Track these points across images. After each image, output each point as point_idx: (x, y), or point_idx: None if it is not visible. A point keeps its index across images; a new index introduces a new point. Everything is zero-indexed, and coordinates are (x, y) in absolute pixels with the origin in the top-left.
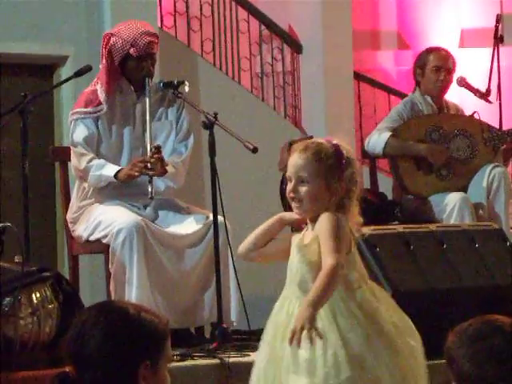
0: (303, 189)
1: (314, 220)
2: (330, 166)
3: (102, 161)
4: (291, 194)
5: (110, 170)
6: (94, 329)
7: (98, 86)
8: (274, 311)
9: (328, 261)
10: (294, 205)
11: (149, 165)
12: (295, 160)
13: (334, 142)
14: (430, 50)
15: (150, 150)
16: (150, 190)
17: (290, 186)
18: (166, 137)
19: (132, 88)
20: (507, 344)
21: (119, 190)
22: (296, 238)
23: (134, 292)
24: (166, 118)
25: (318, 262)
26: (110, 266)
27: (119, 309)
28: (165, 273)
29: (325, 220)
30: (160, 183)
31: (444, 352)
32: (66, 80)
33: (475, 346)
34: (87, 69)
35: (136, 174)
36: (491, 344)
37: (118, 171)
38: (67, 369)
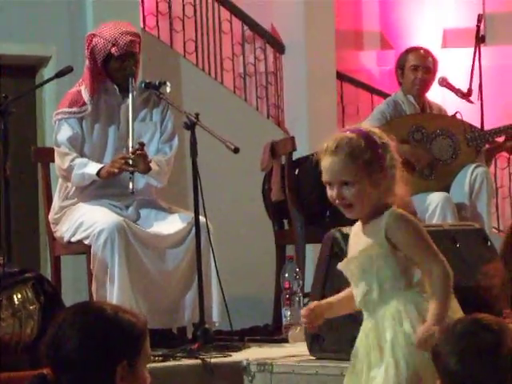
0: (349, 192)
1: (367, 220)
2: (367, 160)
3: (84, 159)
4: (337, 201)
5: (92, 167)
6: (71, 330)
7: (82, 86)
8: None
9: (435, 268)
10: (343, 210)
11: (130, 161)
12: (330, 163)
13: (362, 129)
14: (409, 50)
15: (132, 146)
16: (130, 185)
17: (332, 192)
18: (150, 138)
19: (116, 89)
20: (494, 342)
21: (101, 190)
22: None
23: (115, 293)
24: (150, 119)
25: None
26: (91, 267)
27: (96, 309)
28: (146, 273)
29: (395, 223)
30: (140, 180)
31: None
32: (47, 81)
33: (462, 344)
34: (68, 70)
35: (116, 170)
36: (478, 342)
37: (100, 169)
38: (45, 371)
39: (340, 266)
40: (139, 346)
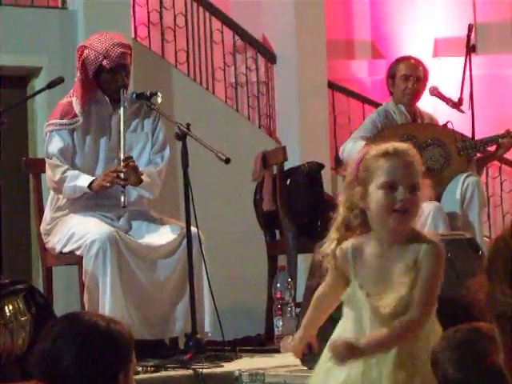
0: (415, 196)
1: (398, 240)
2: (421, 171)
3: (76, 172)
4: (403, 205)
5: (84, 180)
6: (66, 344)
7: (73, 98)
8: None
9: (418, 313)
10: (397, 218)
11: (122, 175)
12: (402, 163)
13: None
14: (399, 60)
15: (123, 160)
16: (122, 199)
17: (397, 196)
18: (141, 148)
19: (107, 100)
20: (492, 351)
21: (92, 201)
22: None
23: (107, 303)
24: (141, 130)
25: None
26: (83, 278)
27: (89, 322)
28: (138, 284)
29: (432, 258)
30: (132, 192)
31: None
32: (39, 92)
33: (461, 351)
34: (59, 80)
35: (108, 184)
36: (477, 350)
37: (92, 181)
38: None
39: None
40: (130, 355)
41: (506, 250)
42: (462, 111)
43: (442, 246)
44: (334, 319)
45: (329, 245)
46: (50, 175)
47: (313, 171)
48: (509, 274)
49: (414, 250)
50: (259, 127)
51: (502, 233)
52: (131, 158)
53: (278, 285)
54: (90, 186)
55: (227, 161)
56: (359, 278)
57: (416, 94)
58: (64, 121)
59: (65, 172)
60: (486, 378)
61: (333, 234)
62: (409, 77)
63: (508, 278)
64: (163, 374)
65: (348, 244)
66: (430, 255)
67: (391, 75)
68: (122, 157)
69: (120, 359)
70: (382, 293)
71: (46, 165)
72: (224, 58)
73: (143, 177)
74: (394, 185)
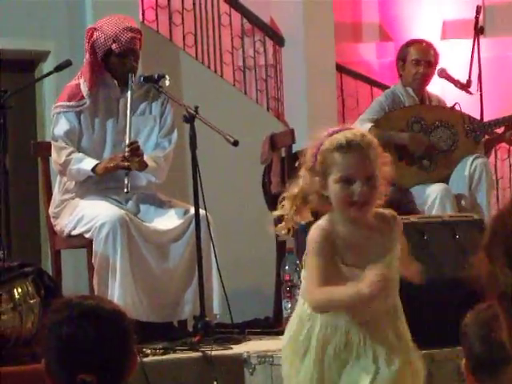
0: (371, 187)
1: (367, 222)
2: (378, 152)
3: (80, 154)
4: (361, 198)
5: (88, 163)
6: (90, 326)
7: (81, 80)
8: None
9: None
10: (356, 210)
11: (126, 160)
12: (355, 157)
13: (355, 128)
14: (410, 43)
15: (128, 145)
16: (126, 183)
17: (350, 189)
18: (149, 131)
19: (115, 83)
20: None
21: (101, 184)
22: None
23: (117, 286)
24: (149, 113)
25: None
26: (92, 261)
27: (103, 304)
28: (148, 268)
29: (400, 230)
30: (142, 178)
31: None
32: (47, 75)
33: (488, 328)
34: (67, 64)
35: (111, 166)
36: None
37: (96, 165)
38: (87, 378)
39: (380, 270)
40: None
41: (506, 229)
42: (470, 93)
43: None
44: None
45: (284, 212)
46: (55, 157)
47: None
48: (509, 253)
49: (383, 228)
50: (267, 110)
51: (501, 211)
52: (136, 142)
53: (287, 267)
54: (94, 169)
55: (235, 143)
56: (343, 257)
57: (426, 78)
58: (71, 103)
59: (70, 154)
60: (510, 357)
61: (288, 203)
62: (420, 61)
63: (508, 259)
64: (172, 356)
65: (325, 227)
66: (399, 229)
67: (402, 58)
68: (127, 141)
69: (131, 334)
70: (362, 266)
71: (52, 147)
72: (232, 41)
73: (149, 162)
74: (349, 179)
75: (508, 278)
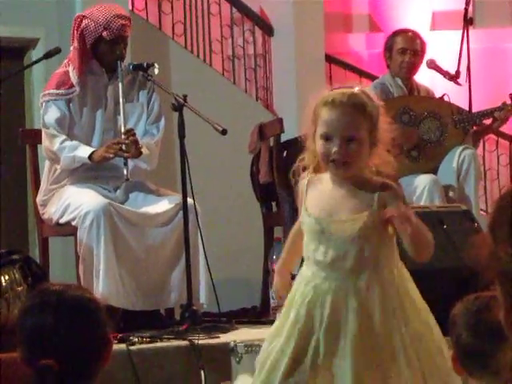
0: (351, 148)
1: (349, 181)
2: (371, 116)
3: (75, 142)
4: (335, 157)
5: (83, 151)
6: (65, 316)
7: (69, 67)
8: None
9: None
10: (334, 167)
11: (123, 147)
12: (337, 116)
13: (361, 87)
14: (397, 33)
15: (124, 132)
16: (125, 172)
17: (329, 147)
18: (137, 119)
19: (103, 70)
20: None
21: (90, 172)
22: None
23: (101, 274)
24: (137, 101)
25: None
26: (78, 249)
27: (70, 292)
28: (133, 255)
29: (391, 199)
30: (129, 164)
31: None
32: (35, 62)
33: (478, 317)
34: (57, 51)
35: (111, 155)
36: (494, 318)
37: (92, 153)
38: (48, 362)
39: (315, 220)
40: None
41: (511, 210)
42: (459, 84)
43: (398, 187)
44: None
45: (305, 176)
46: (47, 145)
47: None
48: None
49: (367, 190)
50: (256, 100)
51: (508, 191)
52: (132, 130)
53: (274, 257)
54: (90, 156)
55: (224, 132)
56: (308, 207)
57: (413, 68)
58: (61, 91)
59: (63, 142)
60: (499, 347)
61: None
62: (406, 50)
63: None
64: (159, 344)
65: (305, 178)
66: (388, 196)
67: (388, 48)
68: (123, 129)
69: (107, 322)
70: (328, 220)
71: (43, 134)
72: (221, 31)
73: (143, 149)
74: (329, 136)
75: (510, 257)
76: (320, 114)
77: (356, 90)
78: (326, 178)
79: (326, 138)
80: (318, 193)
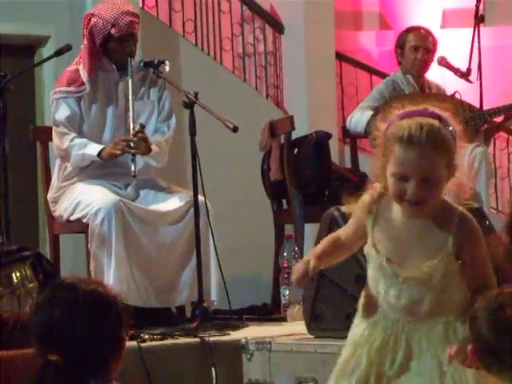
0: (428, 189)
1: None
2: (450, 153)
3: (84, 140)
4: (413, 198)
5: (92, 149)
6: (77, 312)
7: (80, 65)
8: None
9: (492, 281)
10: (408, 206)
11: (131, 143)
12: (413, 156)
13: (438, 114)
14: (409, 30)
15: (133, 128)
16: (132, 168)
17: (403, 187)
18: (148, 116)
19: (114, 67)
20: None
21: (101, 169)
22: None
23: (112, 272)
24: (148, 98)
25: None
26: (89, 246)
27: (88, 288)
28: (144, 252)
29: (475, 230)
30: (139, 161)
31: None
32: (46, 59)
33: (498, 314)
34: (67, 48)
35: (118, 152)
36: None
37: (101, 150)
38: (53, 357)
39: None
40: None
41: None
42: (470, 81)
43: (472, 218)
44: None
45: (372, 192)
46: (57, 143)
47: (320, 141)
48: None
49: (444, 229)
50: (266, 97)
51: None
52: (143, 126)
53: (285, 254)
54: (99, 154)
55: (235, 129)
56: (376, 241)
57: (425, 65)
58: (71, 88)
59: (72, 140)
60: None
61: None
62: (418, 48)
63: None
64: (170, 341)
65: (374, 195)
66: (470, 234)
67: (400, 45)
68: (131, 126)
69: (122, 320)
70: (400, 260)
71: (53, 133)
72: (232, 28)
73: (152, 146)
74: (404, 177)
75: None
76: (394, 151)
77: (433, 122)
78: (392, 202)
79: (401, 178)
80: (386, 224)
